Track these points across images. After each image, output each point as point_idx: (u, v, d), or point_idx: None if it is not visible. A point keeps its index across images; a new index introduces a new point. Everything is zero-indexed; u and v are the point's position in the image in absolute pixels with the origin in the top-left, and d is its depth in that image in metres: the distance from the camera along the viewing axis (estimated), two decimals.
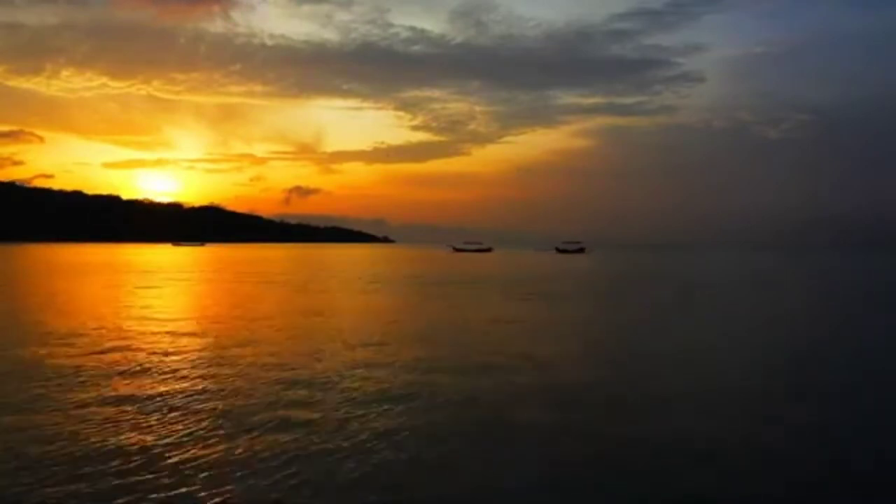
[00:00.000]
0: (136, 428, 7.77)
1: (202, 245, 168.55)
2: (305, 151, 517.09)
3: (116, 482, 6.04)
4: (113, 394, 9.38)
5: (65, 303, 23.02)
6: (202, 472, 6.36)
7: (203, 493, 5.86)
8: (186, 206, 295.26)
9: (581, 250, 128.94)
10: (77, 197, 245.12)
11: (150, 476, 6.23)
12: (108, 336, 14.84)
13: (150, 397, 9.24)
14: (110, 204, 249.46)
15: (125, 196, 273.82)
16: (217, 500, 5.74)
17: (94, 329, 15.97)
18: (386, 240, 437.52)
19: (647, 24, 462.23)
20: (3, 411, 8.41)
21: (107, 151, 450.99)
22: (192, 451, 6.96)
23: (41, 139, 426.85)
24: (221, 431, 7.70)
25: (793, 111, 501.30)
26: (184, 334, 15.31)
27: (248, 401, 9.06)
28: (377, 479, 6.31)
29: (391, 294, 29.09)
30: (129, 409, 8.59)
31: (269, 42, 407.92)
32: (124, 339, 14.47)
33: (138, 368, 11.26)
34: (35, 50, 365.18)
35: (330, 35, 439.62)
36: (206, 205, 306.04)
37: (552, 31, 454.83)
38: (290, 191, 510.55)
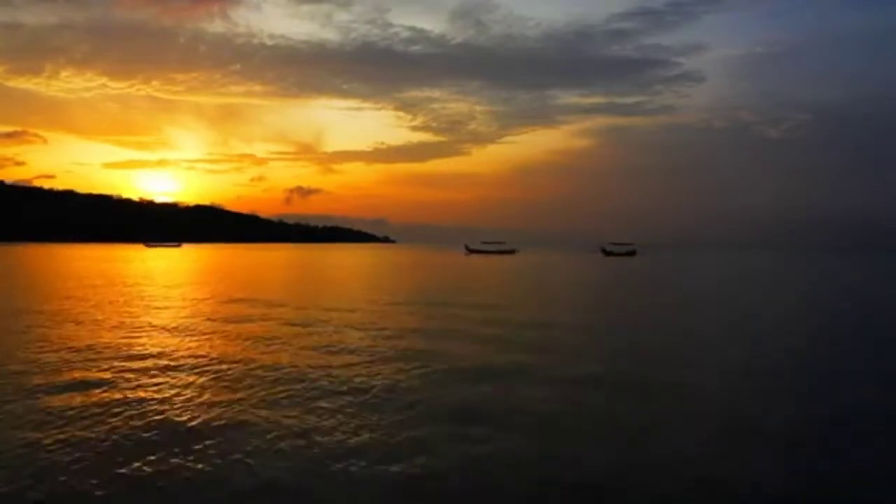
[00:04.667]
0: None
1: (178, 246, 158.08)
2: (306, 151, 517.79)
3: None
4: None
5: None
6: None
7: None
8: (182, 205, 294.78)
9: (632, 253, 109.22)
10: (70, 197, 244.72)
11: None
12: None
13: None
14: (103, 204, 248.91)
15: (125, 197, 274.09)
16: None
17: None
18: (387, 240, 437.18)
19: (647, 24, 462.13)
20: None
21: (107, 152, 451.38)
22: None
23: (44, 140, 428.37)
24: None
25: (793, 111, 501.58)
26: None
27: None
28: None
29: None
30: None
31: (269, 42, 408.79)
32: None
33: None
34: (35, 50, 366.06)
35: (330, 35, 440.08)
36: (202, 204, 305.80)
37: (552, 31, 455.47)
38: (292, 191, 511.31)
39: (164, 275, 41.27)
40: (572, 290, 34.92)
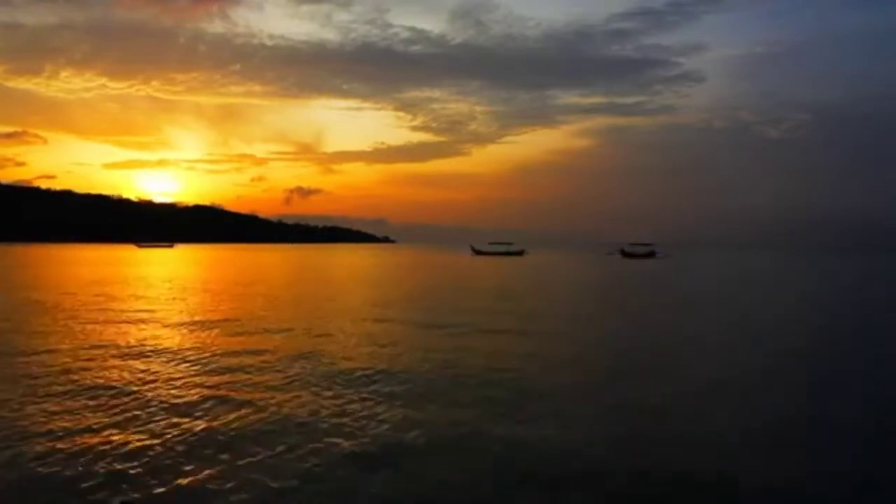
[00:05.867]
0: None
1: (171, 247, 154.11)
2: (306, 151, 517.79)
3: None
4: None
5: None
6: None
7: None
8: (180, 205, 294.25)
9: (651, 254, 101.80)
10: (68, 197, 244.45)
11: None
12: None
13: None
14: (101, 204, 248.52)
15: (125, 197, 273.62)
16: None
17: None
18: (386, 240, 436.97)
19: (647, 24, 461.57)
20: None
21: (107, 152, 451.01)
22: None
23: (44, 140, 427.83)
24: None
25: (793, 111, 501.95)
26: None
27: None
28: None
29: None
30: None
31: (268, 42, 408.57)
32: None
33: None
34: (35, 50, 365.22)
35: (330, 35, 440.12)
36: (201, 204, 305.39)
37: (552, 31, 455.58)
38: (292, 191, 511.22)
39: (109, 283, 33.26)
40: (624, 304, 26.83)
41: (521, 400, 9.62)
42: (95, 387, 10.04)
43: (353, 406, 9.15)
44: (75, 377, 10.77)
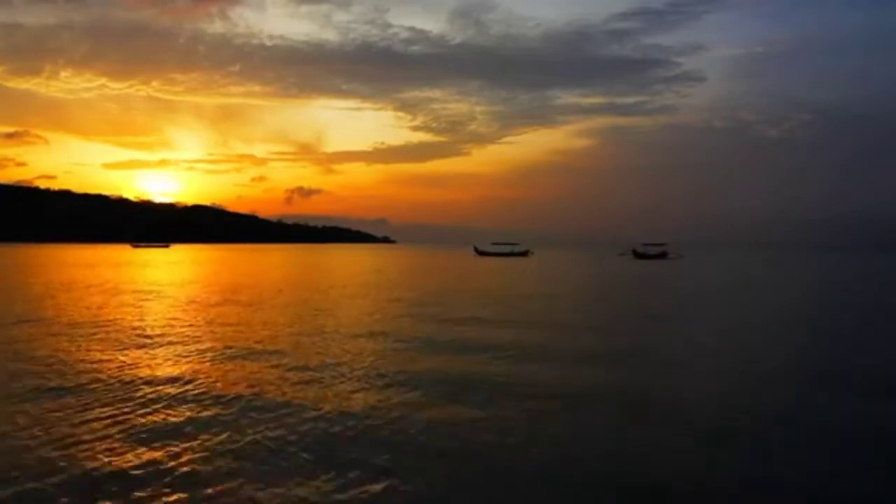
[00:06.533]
0: None
1: (166, 247, 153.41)
2: (306, 152, 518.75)
3: None
4: None
5: None
6: None
7: None
8: (180, 205, 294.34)
9: (663, 255, 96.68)
10: (66, 197, 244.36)
11: None
12: None
13: None
14: (99, 204, 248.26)
15: (124, 197, 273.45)
16: None
17: None
18: (386, 240, 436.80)
19: (648, 23, 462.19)
20: None
21: (107, 152, 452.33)
22: None
23: (45, 140, 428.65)
24: None
25: (793, 111, 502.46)
26: None
27: None
28: None
29: None
30: None
31: (268, 42, 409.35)
32: None
33: None
34: (35, 50, 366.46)
35: (329, 35, 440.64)
36: (201, 204, 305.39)
37: (552, 31, 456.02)
38: (293, 191, 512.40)
39: (71, 289, 28.34)
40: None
41: None
42: None
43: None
44: None
